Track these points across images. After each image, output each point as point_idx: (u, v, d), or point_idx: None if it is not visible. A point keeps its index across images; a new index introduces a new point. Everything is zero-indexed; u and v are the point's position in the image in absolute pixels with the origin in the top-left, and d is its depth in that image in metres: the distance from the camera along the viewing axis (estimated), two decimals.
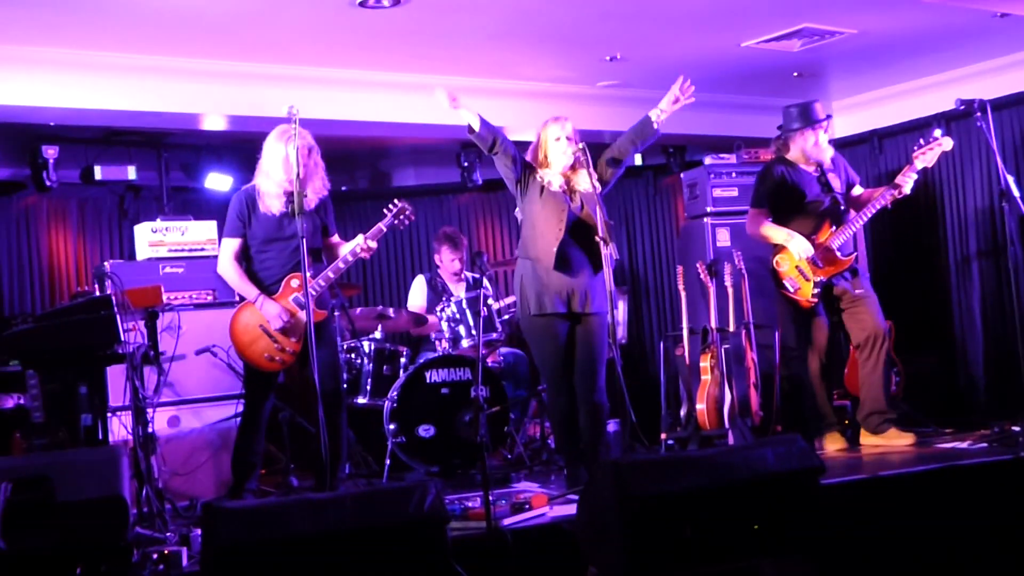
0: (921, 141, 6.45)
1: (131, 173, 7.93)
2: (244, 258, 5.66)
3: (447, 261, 7.89)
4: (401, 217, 5.79)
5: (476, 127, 5.59)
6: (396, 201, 5.83)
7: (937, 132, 6.50)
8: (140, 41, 6.48)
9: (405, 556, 3.86)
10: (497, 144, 5.63)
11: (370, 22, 6.35)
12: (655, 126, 5.71)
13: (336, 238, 5.89)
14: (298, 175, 5.25)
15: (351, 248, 5.70)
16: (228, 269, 5.66)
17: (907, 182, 6.35)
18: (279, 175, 5.52)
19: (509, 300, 7.20)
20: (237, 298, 5.81)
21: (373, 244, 5.68)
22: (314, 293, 5.53)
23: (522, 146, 5.89)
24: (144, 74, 6.77)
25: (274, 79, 7.10)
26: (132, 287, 5.62)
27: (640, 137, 5.74)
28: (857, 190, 6.71)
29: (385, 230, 5.74)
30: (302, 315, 5.53)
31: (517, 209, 5.87)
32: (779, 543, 4.14)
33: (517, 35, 6.89)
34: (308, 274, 5.52)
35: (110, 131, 7.63)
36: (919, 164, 6.38)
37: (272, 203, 5.57)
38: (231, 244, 5.65)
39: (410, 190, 9.75)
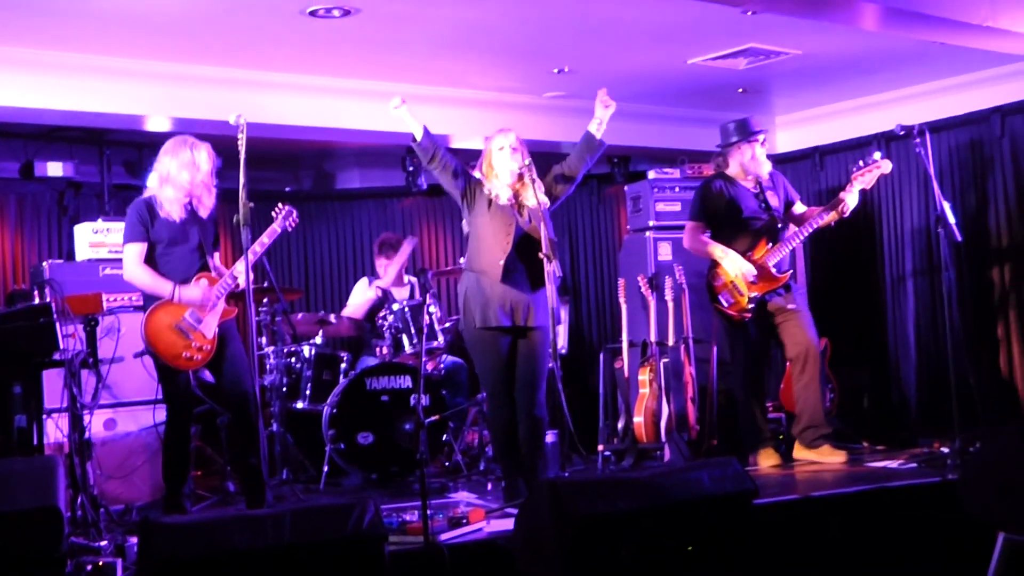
0: (860, 163, 6.57)
1: (71, 170, 7.84)
2: (150, 261, 5.63)
3: (380, 268, 7.94)
4: (288, 220, 5.88)
5: (419, 137, 5.63)
6: (281, 205, 5.91)
7: (876, 155, 6.62)
8: (84, 41, 6.40)
9: (343, 572, 3.89)
10: (437, 158, 5.67)
11: (319, 30, 6.33)
12: (598, 138, 5.78)
13: (217, 259, 5.90)
14: (244, 182, 5.27)
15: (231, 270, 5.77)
16: (137, 271, 5.61)
17: (847, 201, 6.46)
18: (183, 178, 5.57)
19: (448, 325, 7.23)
20: (142, 302, 5.76)
21: (267, 240, 5.73)
22: (223, 291, 5.63)
23: (469, 154, 5.93)
24: (87, 74, 6.69)
25: (220, 82, 7.05)
26: (72, 292, 5.59)
27: (587, 152, 5.80)
28: (799, 208, 6.82)
29: (279, 231, 5.83)
30: (214, 313, 5.61)
31: (464, 221, 5.90)
32: (713, 564, 4.22)
33: (466, 47, 6.91)
34: (212, 274, 5.66)
35: (51, 127, 7.55)
36: (857, 186, 6.50)
37: (173, 208, 5.60)
38: (135, 248, 5.61)
39: (354, 193, 9.74)
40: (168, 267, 5.62)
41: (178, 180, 5.59)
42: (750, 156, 6.65)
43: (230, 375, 5.67)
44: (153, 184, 5.70)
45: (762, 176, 6.68)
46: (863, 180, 6.53)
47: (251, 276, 5.50)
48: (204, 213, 5.69)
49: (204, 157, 5.61)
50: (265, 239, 5.72)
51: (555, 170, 5.85)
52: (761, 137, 6.70)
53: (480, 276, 5.68)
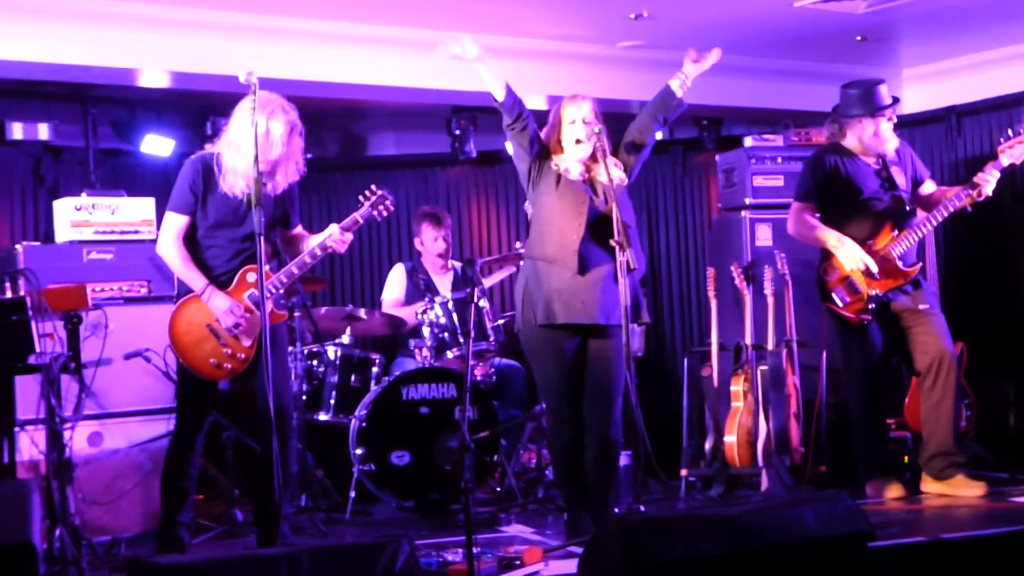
0: (1009, 132, 6.50)
1: (50, 132, 7.92)
2: (189, 241, 5.63)
3: (429, 241, 8.01)
4: (380, 207, 5.87)
5: (500, 96, 5.66)
6: (374, 187, 5.89)
7: None
8: None
9: None
10: (521, 119, 5.70)
11: None
12: (679, 96, 5.78)
13: (299, 229, 5.93)
14: (258, 158, 5.20)
15: (320, 241, 5.73)
16: (171, 250, 5.61)
17: (988, 182, 6.40)
18: (252, 153, 5.36)
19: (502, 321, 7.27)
20: (176, 291, 5.79)
21: (349, 236, 5.75)
22: (274, 290, 5.60)
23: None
24: (71, 20, 6.76)
25: (227, 30, 7.11)
26: (50, 282, 5.64)
27: (662, 110, 5.82)
28: (928, 187, 6.77)
29: (361, 222, 5.82)
30: (258, 315, 5.50)
31: (527, 203, 5.92)
32: None
33: None
34: (266, 268, 5.59)
35: (27, 81, 7.65)
36: (1005, 161, 6.44)
37: (237, 182, 5.55)
38: (177, 220, 5.60)
39: (389, 160, 9.76)
40: (208, 253, 5.63)
41: (246, 150, 5.39)
42: (872, 133, 6.61)
43: (260, 384, 5.51)
44: (222, 144, 5.61)
45: (887, 153, 6.64)
46: (1012, 154, 6.45)
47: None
48: (276, 190, 5.64)
49: (282, 129, 5.52)
50: (347, 235, 5.73)
51: (624, 138, 5.86)
52: (889, 112, 6.64)
53: (546, 265, 5.68)
